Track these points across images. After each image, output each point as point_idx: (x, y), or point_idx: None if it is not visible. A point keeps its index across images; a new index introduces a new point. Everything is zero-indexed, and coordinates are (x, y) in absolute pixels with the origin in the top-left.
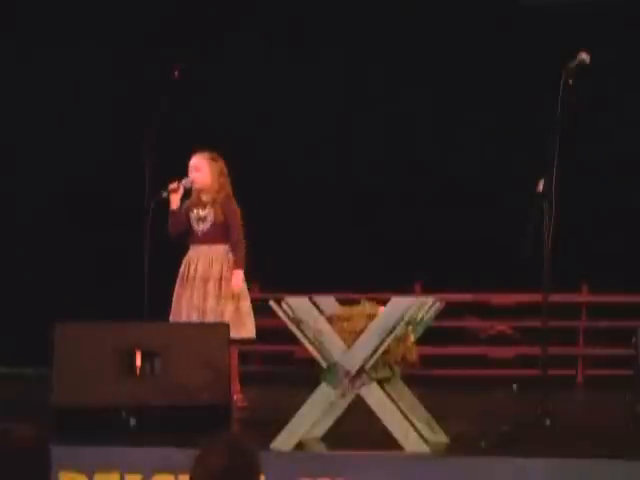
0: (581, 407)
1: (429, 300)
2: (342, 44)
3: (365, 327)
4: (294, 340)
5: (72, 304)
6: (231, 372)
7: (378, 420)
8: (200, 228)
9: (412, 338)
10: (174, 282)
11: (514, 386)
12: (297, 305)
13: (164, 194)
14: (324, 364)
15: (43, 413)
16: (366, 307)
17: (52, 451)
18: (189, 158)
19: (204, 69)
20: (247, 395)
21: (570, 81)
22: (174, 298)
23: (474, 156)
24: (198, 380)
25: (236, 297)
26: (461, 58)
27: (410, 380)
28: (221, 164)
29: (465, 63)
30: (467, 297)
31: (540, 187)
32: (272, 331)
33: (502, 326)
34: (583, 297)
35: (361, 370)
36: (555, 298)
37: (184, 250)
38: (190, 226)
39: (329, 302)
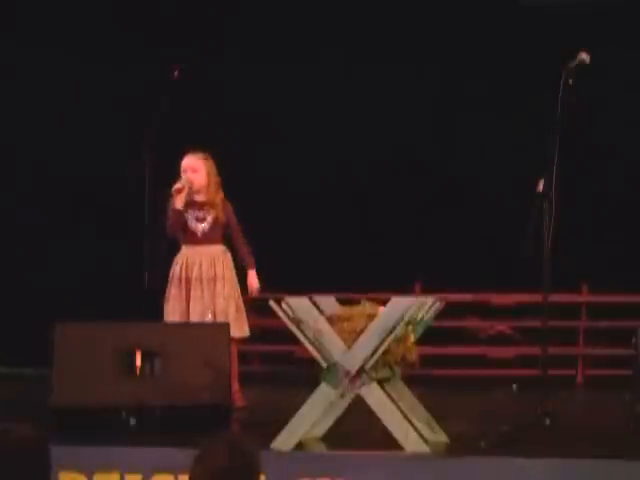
0: (581, 407)
1: (429, 300)
2: (342, 44)
3: (365, 327)
4: (294, 340)
5: (72, 304)
6: (232, 371)
7: (378, 420)
8: (200, 228)
9: (412, 338)
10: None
11: (514, 386)
12: (297, 305)
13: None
14: (324, 364)
15: (43, 413)
16: (366, 307)
17: (52, 451)
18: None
19: (204, 69)
20: (247, 395)
21: (570, 81)
22: (169, 299)
23: (474, 156)
24: (198, 380)
25: (237, 296)
26: (461, 58)
27: (410, 380)
28: (213, 163)
29: (465, 63)
30: (467, 297)
31: (540, 187)
32: (272, 331)
33: (502, 326)
34: (583, 297)
35: (361, 370)
36: (555, 298)
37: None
38: (186, 226)
39: (329, 302)
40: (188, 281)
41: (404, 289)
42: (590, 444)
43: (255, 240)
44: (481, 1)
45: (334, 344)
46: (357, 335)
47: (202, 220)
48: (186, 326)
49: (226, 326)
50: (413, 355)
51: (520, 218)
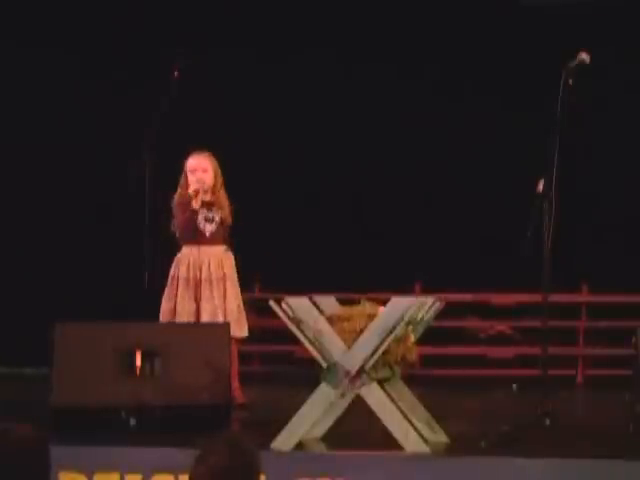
0: (581, 407)
1: (429, 300)
2: (342, 44)
3: (365, 327)
4: (294, 340)
5: (72, 304)
6: (232, 370)
7: (378, 420)
8: (208, 229)
9: (412, 338)
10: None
11: (514, 386)
12: (297, 305)
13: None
14: (324, 364)
15: (43, 413)
16: (366, 307)
17: (52, 451)
18: (186, 158)
19: (204, 69)
20: (247, 395)
21: (570, 81)
22: (171, 298)
23: (474, 156)
24: (198, 380)
25: (238, 296)
26: (461, 58)
27: (410, 380)
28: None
29: (465, 63)
30: (467, 297)
31: (540, 187)
32: (272, 331)
33: (502, 326)
34: (583, 297)
35: (361, 370)
36: (555, 298)
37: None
38: (195, 226)
39: (329, 302)
40: (197, 281)
41: (404, 289)
42: (590, 444)
43: (255, 240)
44: (481, 1)
45: (334, 344)
46: (357, 335)
47: (211, 220)
48: (186, 326)
49: (226, 326)
50: (413, 355)
51: (520, 218)
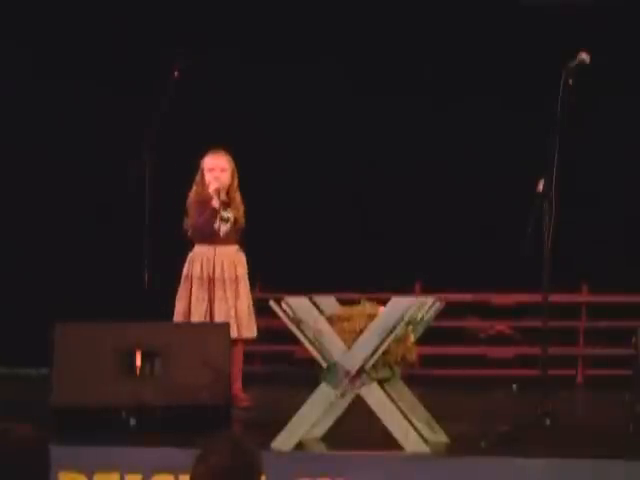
0: (581, 407)
1: (429, 300)
2: (342, 43)
3: (365, 327)
4: (294, 340)
5: (72, 304)
6: (237, 371)
7: (378, 420)
8: (222, 229)
9: (412, 338)
10: (175, 282)
11: (514, 386)
12: (297, 305)
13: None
14: (324, 364)
15: (43, 413)
16: (366, 307)
17: (52, 451)
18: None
19: (204, 69)
20: (247, 395)
21: (570, 81)
22: (184, 298)
23: (474, 156)
24: (198, 380)
25: (249, 297)
26: (461, 58)
27: (410, 380)
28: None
29: (465, 63)
30: (467, 297)
31: (540, 187)
32: (272, 331)
33: (502, 326)
34: (583, 297)
35: (361, 370)
36: (555, 298)
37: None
38: (210, 226)
39: (329, 302)
40: (211, 281)
41: (404, 289)
42: (590, 444)
43: (255, 240)
44: (481, 1)
45: (334, 344)
46: (357, 335)
47: (226, 220)
48: (186, 326)
49: (226, 326)
50: (413, 355)
51: (520, 218)
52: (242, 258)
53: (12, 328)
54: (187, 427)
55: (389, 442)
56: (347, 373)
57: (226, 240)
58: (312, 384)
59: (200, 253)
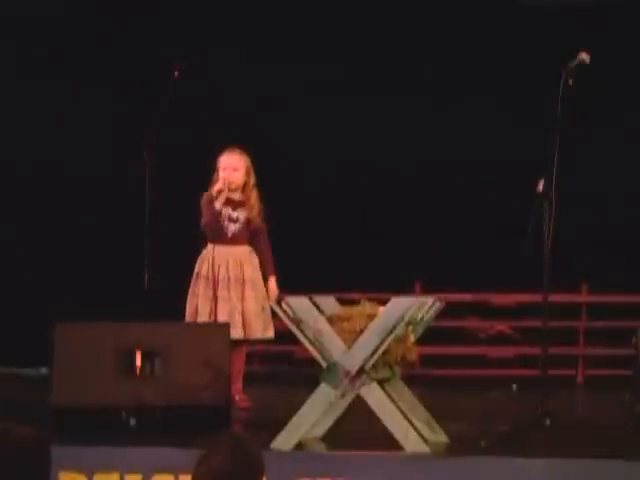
0: (581, 407)
1: (429, 300)
2: (342, 43)
3: (365, 327)
4: (294, 340)
5: (72, 304)
6: (237, 372)
7: (378, 420)
8: (231, 228)
9: (412, 338)
10: (175, 282)
11: (514, 386)
12: (297, 305)
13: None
14: (324, 364)
15: (43, 413)
16: (366, 307)
17: (52, 451)
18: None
19: (204, 69)
20: (247, 395)
21: (570, 81)
22: (195, 296)
23: (474, 156)
24: (198, 380)
25: (263, 297)
26: (461, 58)
27: (410, 380)
28: (250, 162)
29: (465, 63)
30: (467, 297)
31: (540, 187)
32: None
33: (502, 326)
34: (583, 297)
35: (361, 370)
36: (555, 298)
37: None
38: (219, 225)
39: (329, 302)
40: (215, 281)
41: (404, 289)
42: (590, 444)
43: None
44: (481, 1)
45: (334, 344)
46: (357, 335)
47: (235, 220)
48: (186, 326)
49: (226, 326)
50: (413, 355)
51: (520, 218)
52: (253, 259)
53: (12, 328)
54: (187, 427)
55: (389, 442)
56: (347, 373)
57: (234, 240)
58: (312, 384)
59: (209, 252)
